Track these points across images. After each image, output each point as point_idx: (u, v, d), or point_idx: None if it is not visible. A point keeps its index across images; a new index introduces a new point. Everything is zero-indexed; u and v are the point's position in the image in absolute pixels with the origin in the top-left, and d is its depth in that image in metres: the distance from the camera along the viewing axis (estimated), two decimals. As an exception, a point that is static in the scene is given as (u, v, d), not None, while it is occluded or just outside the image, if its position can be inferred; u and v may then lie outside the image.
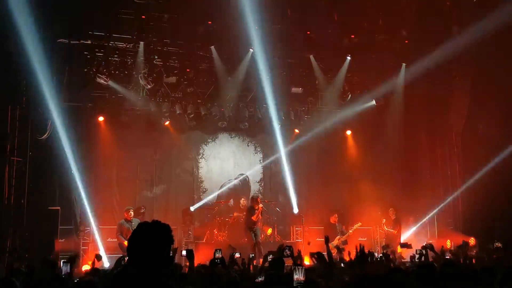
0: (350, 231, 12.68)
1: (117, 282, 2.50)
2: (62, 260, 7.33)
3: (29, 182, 10.75)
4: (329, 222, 13.08)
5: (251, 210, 12.26)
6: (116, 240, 11.36)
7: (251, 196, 13.43)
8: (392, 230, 13.01)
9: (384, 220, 13.31)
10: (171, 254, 2.45)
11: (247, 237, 11.97)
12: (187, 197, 14.57)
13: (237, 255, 7.85)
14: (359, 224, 12.88)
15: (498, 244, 10.08)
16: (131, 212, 11.31)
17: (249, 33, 12.49)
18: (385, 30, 13.16)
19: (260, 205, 12.51)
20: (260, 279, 4.83)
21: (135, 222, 11.23)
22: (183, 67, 13.27)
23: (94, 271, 6.43)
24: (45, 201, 11.73)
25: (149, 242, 2.35)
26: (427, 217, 14.24)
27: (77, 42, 11.98)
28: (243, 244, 11.64)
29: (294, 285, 4.25)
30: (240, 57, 13.35)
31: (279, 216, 14.63)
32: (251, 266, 7.99)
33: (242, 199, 14.16)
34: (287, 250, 6.83)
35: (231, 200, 14.75)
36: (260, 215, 12.40)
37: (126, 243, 10.87)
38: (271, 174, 15.59)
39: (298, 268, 4.31)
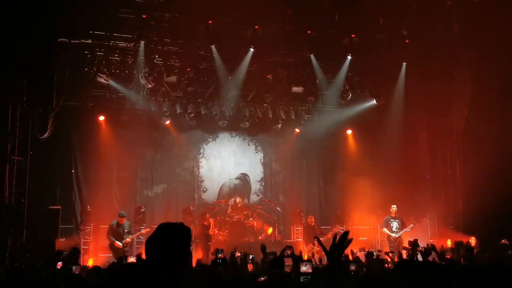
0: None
1: (123, 282, 2.49)
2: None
3: (29, 182, 10.74)
4: (307, 223, 13.28)
5: (203, 227, 12.33)
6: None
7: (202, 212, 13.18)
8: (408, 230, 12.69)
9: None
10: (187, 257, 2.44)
11: (204, 251, 11.81)
12: (188, 197, 14.58)
13: (238, 254, 7.88)
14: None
15: (505, 241, 9.97)
16: (124, 219, 11.50)
17: (249, 32, 12.50)
18: (386, 29, 13.16)
19: (211, 220, 12.77)
20: (262, 278, 4.84)
21: (126, 224, 11.50)
22: (184, 67, 13.26)
23: (95, 269, 6.44)
24: (45, 200, 11.73)
25: (170, 243, 2.33)
26: (427, 217, 14.23)
27: (78, 41, 11.98)
28: (243, 244, 11.65)
29: (301, 279, 4.28)
30: (241, 56, 13.35)
31: (280, 215, 14.63)
32: (250, 265, 8.02)
33: (238, 198, 14.22)
34: (287, 250, 6.85)
35: (232, 200, 14.75)
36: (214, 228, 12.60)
37: (116, 243, 11.09)
38: (272, 174, 15.59)
39: (306, 262, 4.34)
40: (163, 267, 2.31)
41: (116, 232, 11.29)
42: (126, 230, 11.37)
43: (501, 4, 11.59)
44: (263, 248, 9.30)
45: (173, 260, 2.32)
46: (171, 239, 2.34)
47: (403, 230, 12.45)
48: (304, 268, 4.23)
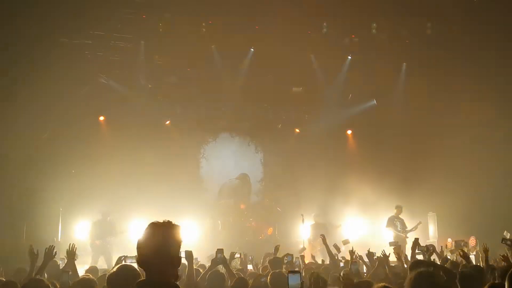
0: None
1: (119, 281, 2.49)
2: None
3: (29, 182, 10.74)
4: (314, 221, 13.23)
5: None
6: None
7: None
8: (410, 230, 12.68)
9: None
10: (180, 255, 2.44)
11: None
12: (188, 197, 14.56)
13: (237, 255, 7.86)
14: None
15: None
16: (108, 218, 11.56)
17: (249, 32, 12.51)
18: (386, 29, 13.16)
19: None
20: (263, 279, 4.84)
21: (111, 222, 11.52)
22: (184, 67, 13.26)
23: (92, 270, 6.44)
24: (45, 201, 11.72)
25: (159, 242, 2.33)
26: (427, 217, 14.22)
27: (78, 41, 11.98)
28: (243, 244, 11.66)
29: None
30: (241, 56, 13.34)
31: (280, 215, 14.62)
32: (250, 265, 8.02)
33: (242, 205, 14.21)
34: (286, 257, 6.79)
35: (232, 200, 14.75)
36: None
37: (96, 242, 11.07)
38: (272, 174, 15.58)
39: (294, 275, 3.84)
40: (153, 266, 2.31)
41: (100, 230, 11.25)
42: (111, 229, 11.35)
43: (501, 4, 11.59)
44: (276, 249, 9.01)
45: (162, 258, 2.32)
46: (161, 238, 2.34)
47: (408, 230, 12.45)
48: (292, 282, 3.67)
